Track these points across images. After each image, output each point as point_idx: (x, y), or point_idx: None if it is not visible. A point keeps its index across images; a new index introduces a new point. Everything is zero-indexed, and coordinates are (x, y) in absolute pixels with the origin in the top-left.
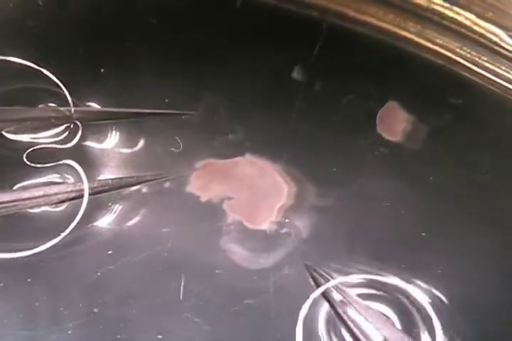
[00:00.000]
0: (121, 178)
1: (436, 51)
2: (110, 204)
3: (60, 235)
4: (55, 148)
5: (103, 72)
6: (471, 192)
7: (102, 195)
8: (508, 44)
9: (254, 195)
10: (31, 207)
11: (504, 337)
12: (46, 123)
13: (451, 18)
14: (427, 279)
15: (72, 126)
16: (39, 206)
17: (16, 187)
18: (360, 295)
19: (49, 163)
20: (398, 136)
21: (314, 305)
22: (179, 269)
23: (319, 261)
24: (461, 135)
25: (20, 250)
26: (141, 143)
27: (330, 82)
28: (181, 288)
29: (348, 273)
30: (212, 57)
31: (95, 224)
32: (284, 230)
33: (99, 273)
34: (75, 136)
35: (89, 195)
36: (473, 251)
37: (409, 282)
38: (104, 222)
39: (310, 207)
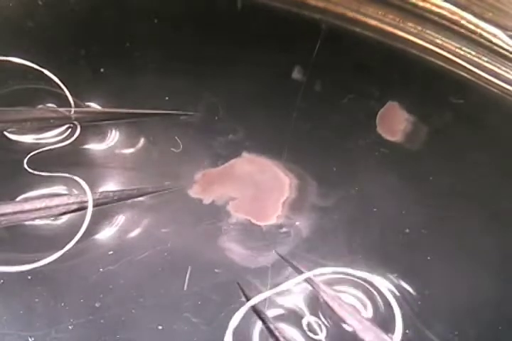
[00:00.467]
0: (122, 190)
1: (435, 51)
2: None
3: (62, 248)
4: (56, 149)
5: (103, 72)
6: (471, 192)
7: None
8: (508, 44)
9: (257, 192)
10: (33, 219)
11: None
12: (47, 124)
13: (451, 18)
14: (427, 279)
15: (72, 126)
16: (41, 218)
17: (18, 198)
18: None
19: (50, 166)
20: (398, 136)
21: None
22: (179, 269)
23: (319, 260)
24: (461, 135)
25: (22, 262)
26: (141, 143)
27: (330, 82)
28: (186, 280)
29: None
30: (212, 57)
31: (97, 235)
32: (284, 229)
33: (99, 273)
34: (75, 136)
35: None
36: (473, 251)
37: (409, 282)
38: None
39: (309, 206)
